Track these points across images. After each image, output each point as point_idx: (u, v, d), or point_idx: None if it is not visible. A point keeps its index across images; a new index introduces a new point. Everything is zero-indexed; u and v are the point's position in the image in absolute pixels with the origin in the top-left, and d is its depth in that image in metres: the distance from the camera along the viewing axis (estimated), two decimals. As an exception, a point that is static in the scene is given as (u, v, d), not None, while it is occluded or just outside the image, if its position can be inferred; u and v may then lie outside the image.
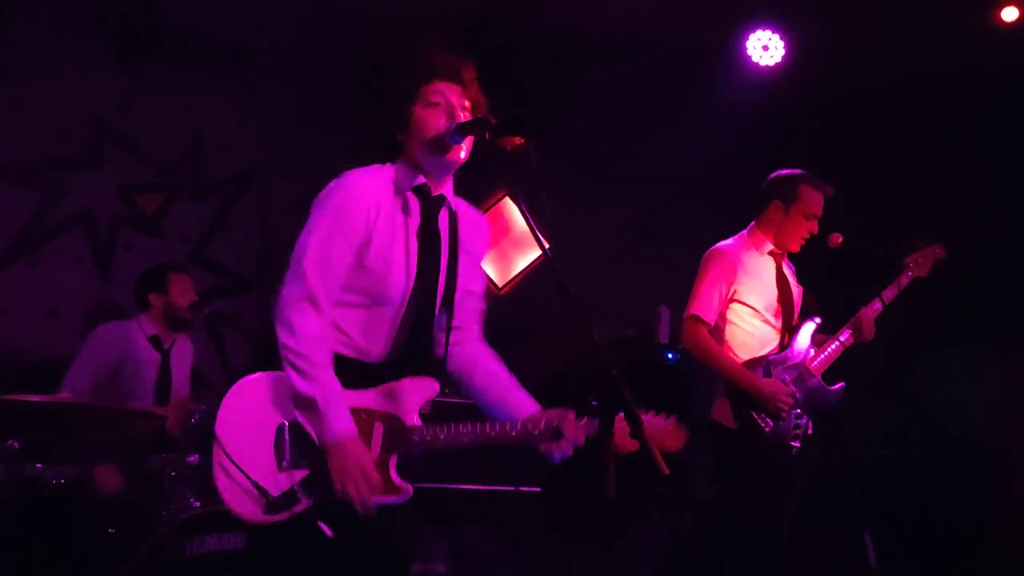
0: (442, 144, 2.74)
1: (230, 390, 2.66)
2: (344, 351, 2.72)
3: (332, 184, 2.77)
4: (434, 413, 2.77)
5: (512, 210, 6.04)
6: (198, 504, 4.22)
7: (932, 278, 4.44)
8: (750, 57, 6.31)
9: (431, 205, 2.81)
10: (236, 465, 2.57)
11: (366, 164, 2.83)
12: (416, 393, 2.73)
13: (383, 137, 2.83)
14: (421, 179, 2.80)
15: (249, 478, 2.57)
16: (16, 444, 4.10)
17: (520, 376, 2.97)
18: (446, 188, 2.85)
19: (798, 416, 4.12)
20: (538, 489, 5.82)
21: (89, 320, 5.28)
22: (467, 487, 5.61)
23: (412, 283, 2.73)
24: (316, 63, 6.08)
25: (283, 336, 2.62)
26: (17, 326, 5.48)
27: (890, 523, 5.56)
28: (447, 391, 2.86)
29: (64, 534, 4.09)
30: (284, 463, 2.62)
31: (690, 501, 6.07)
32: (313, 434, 2.61)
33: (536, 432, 2.72)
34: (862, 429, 6.43)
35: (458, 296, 2.83)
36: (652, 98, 6.87)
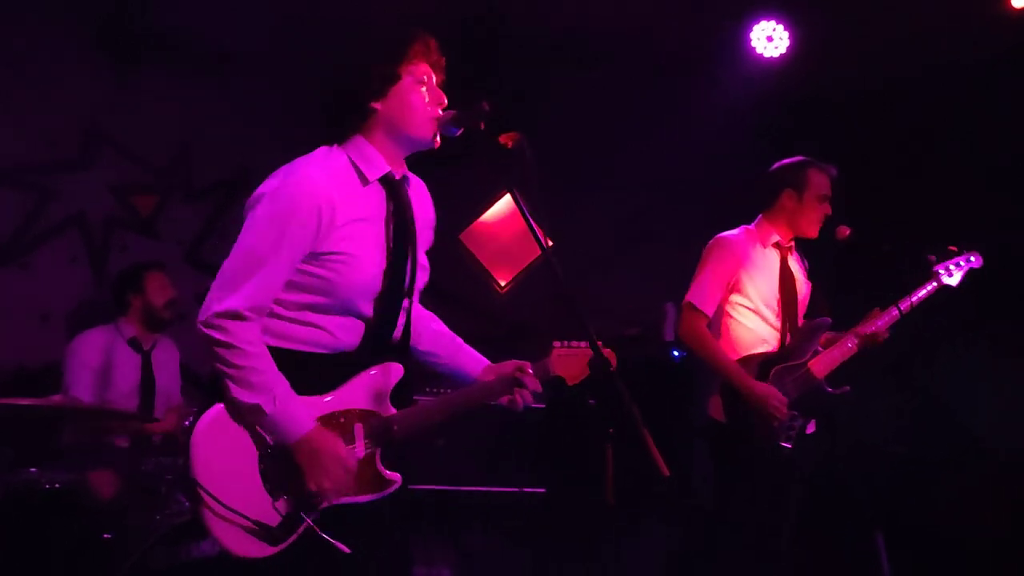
0: (432, 131, 2.65)
1: (195, 433, 2.47)
2: (312, 349, 2.59)
3: (276, 180, 2.56)
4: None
5: (513, 208, 5.99)
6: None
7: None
8: (754, 48, 6.25)
9: (398, 192, 2.69)
10: (228, 508, 2.43)
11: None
12: (385, 381, 2.67)
13: (353, 102, 2.65)
14: (384, 166, 2.65)
15: (245, 516, 2.45)
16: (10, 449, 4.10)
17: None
18: (403, 167, 2.73)
19: (792, 418, 4.00)
20: (542, 490, 5.78)
21: (85, 323, 5.22)
22: (471, 489, 5.60)
23: (384, 273, 2.61)
24: (305, 65, 6.03)
25: (221, 352, 2.45)
26: (11, 330, 5.44)
27: (898, 524, 5.49)
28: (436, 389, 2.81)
29: (58, 539, 4.06)
30: (274, 489, 2.51)
31: (692, 505, 6.02)
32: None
33: (497, 387, 2.77)
34: (871, 427, 6.37)
35: (419, 274, 2.74)
36: (652, 93, 6.81)
